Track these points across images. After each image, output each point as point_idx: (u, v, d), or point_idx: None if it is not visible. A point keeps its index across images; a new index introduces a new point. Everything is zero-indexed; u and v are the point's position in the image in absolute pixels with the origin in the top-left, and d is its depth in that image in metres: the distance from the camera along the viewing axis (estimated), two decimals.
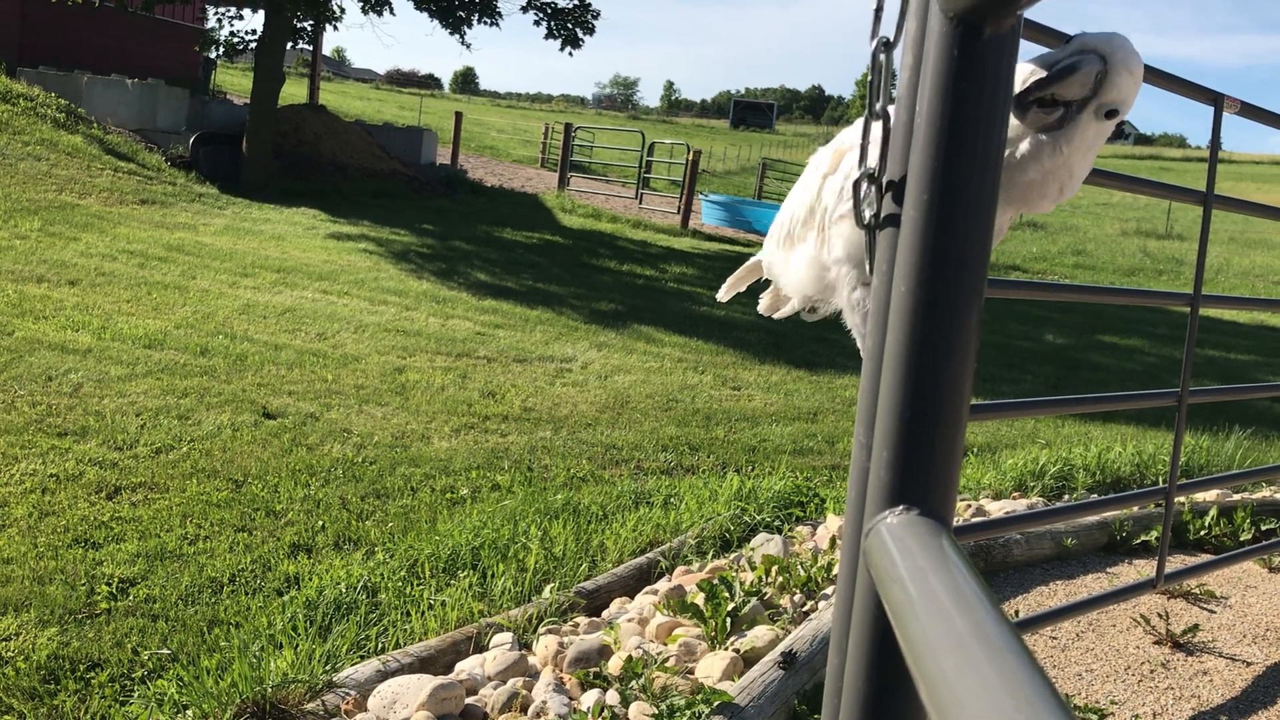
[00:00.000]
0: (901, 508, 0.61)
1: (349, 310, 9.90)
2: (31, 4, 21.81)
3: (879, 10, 0.68)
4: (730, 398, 8.30)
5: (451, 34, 20.77)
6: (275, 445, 5.97)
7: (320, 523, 4.94)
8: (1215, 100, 3.52)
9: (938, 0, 0.62)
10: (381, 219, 16.47)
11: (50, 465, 5.26)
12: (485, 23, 20.60)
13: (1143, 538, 4.92)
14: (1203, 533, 5.09)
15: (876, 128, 0.70)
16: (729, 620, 3.32)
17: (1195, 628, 3.83)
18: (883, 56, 0.65)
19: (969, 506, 5.30)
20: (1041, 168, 1.17)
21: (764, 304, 1.58)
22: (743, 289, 1.60)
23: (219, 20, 20.40)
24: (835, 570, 3.90)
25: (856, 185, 0.70)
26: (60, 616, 3.79)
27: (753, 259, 1.47)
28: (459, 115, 27.21)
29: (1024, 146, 1.17)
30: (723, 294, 1.63)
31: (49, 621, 3.75)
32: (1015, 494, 5.85)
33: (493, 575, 4.16)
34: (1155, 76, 3.16)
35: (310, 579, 4.22)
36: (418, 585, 4.08)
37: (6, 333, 7.58)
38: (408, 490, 5.49)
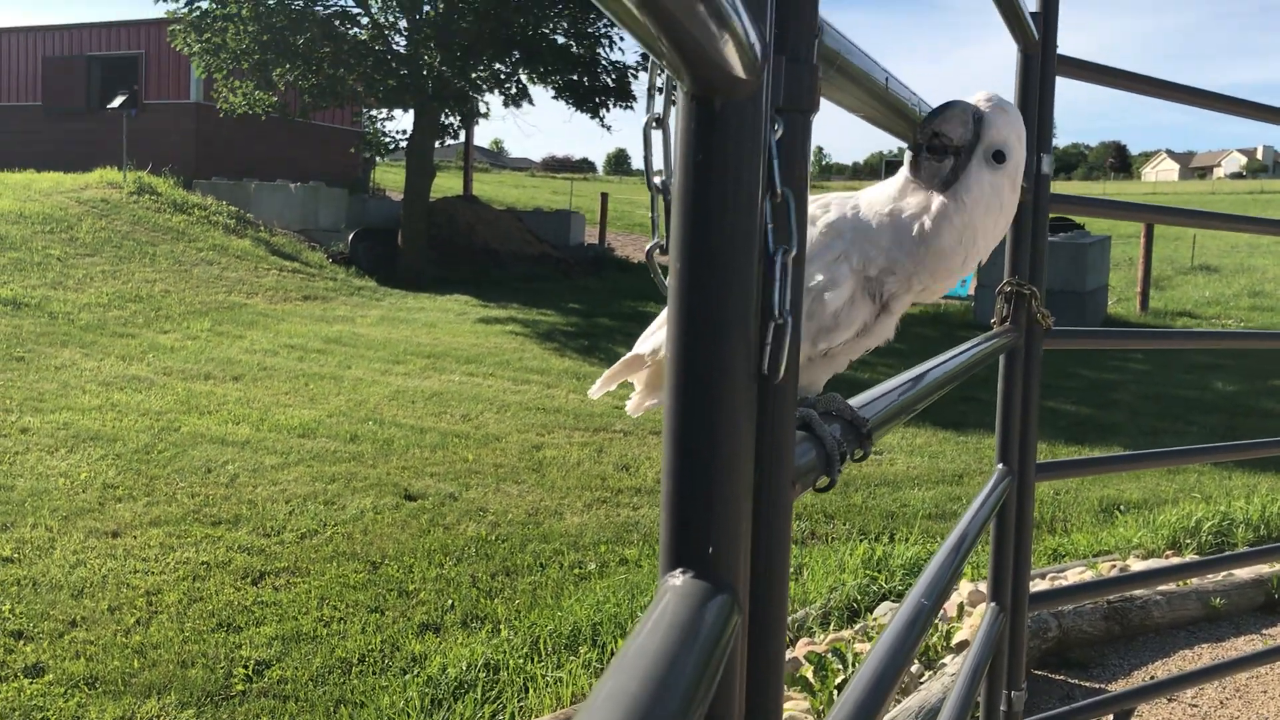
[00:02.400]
0: (679, 570, 0.62)
1: (493, 391, 10.16)
2: (205, 121, 23.45)
3: (651, 90, 0.70)
4: (871, 462, 8.14)
5: (591, 118, 21.32)
6: (414, 526, 6.14)
7: (450, 601, 5.05)
8: None
9: (680, 81, 0.64)
10: (530, 301, 16.91)
11: (203, 553, 5.54)
12: (620, 106, 21.06)
13: None
14: None
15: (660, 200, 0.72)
16: (834, 693, 3.24)
17: None
18: (654, 132, 0.67)
19: (1113, 566, 5.06)
20: (953, 228, 1.18)
21: (633, 403, 1.46)
22: (612, 387, 1.50)
23: (370, 121, 21.43)
24: (955, 639, 3.76)
25: (649, 255, 0.72)
26: (199, 699, 3.97)
27: (631, 353, 1.39)
28: (604, 196, 27.87)
29: (935, 205, 1.18)
30: (596, 390, 1.52)
31: (188, 703, 3.93)
32: (1168, 552, 5.54)
33: (612, 651, 4.17)
34: (1247, 108, 3.04)
35: (435, 657, 4.32)
36: (538, 662, 4.12)
37: (174, 429, 8.06)
38: (537, 567, 5.57)
